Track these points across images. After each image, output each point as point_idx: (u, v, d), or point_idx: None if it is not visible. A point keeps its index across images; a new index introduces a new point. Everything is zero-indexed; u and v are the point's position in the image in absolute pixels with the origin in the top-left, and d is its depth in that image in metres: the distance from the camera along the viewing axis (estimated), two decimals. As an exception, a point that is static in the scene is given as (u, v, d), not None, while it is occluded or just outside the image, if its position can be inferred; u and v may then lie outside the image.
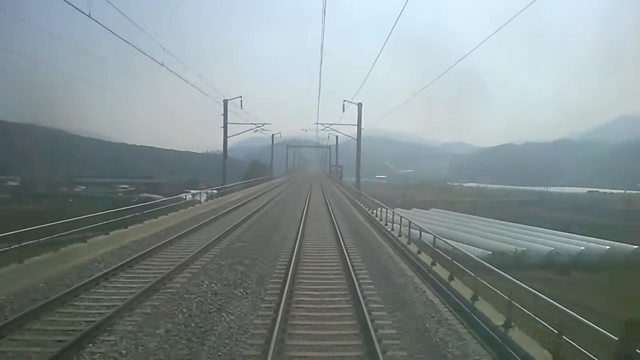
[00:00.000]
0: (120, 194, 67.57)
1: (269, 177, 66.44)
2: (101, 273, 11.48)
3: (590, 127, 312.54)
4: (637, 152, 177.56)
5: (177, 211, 24.72)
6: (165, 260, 13.74)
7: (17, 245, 11.26)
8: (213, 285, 11.02)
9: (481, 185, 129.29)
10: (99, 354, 7.06)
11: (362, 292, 10.32)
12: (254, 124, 53.00)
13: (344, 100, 46.05)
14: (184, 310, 9.15)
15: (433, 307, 9.86)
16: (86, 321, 8.31)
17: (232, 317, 8.84)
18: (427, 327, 8.67)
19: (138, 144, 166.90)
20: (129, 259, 13.12)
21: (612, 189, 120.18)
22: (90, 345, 7.36)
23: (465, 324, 8.85)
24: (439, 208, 56.63)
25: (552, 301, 6.91)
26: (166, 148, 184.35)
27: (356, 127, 47.36)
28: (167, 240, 16.26)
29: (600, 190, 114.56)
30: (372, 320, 8.53)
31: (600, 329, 5.76)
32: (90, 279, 10.92)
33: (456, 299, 10.00)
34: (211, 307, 9.42)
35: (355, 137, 48.51)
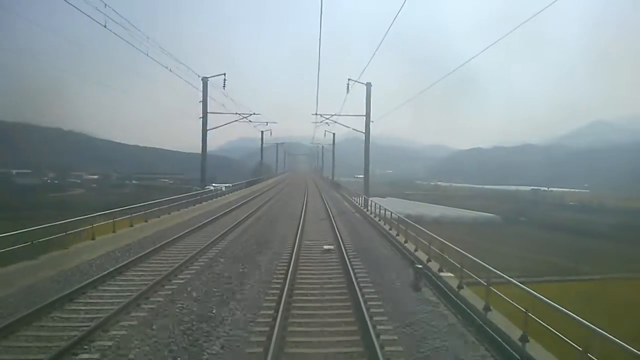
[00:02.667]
0: (169, 185, 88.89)
1: (274, 174, 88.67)
2: (235, 206, 32.11)
3: (566, 131, 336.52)
4: (589, 157, 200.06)
5: (230, 193, 45.02)
6: (259, 200, 34.69)
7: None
8: (284, 197, 32.19)
9: (439, 183, 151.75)
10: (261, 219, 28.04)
11: (328, 206, 31.50)
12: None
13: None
14: (282, 201, 30.26)
15: (345, 205, 31.06)
16: (246, 214, 29.10)
17: (294, 201, 30.63)
18: (343, 209, 29.86)
19: (149, 146, 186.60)
20: (239, 203, 33.79)
21: (561, 188, 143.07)
22: (252, 217, 28.32)
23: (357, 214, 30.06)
24: (394, 197, 78.86)
25: (418, 225, 27.84)
26: (173, 150, 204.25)
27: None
28: (249, 198, 37.48)
29: (542, 188, 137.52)
30: (329, 209, 29.60)
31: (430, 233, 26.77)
32: (228, 209, 31.52)
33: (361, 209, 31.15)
34: (289, 199, 30.72)
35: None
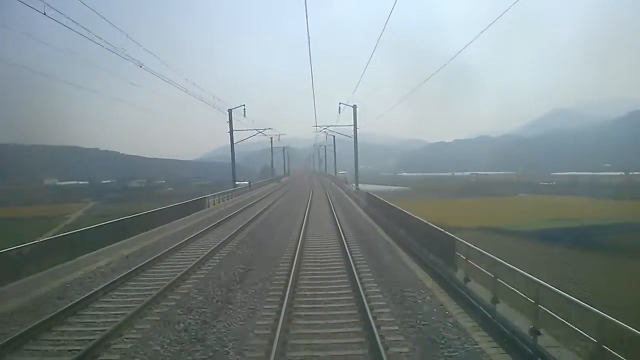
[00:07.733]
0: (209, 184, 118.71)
1: (281, 175, 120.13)
2: (278, 188, 64.05)
3: (531, 120, 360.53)
4: (536, 144, 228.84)
5: (264, 186, 76.73)
6: (291, 184, 67.02)
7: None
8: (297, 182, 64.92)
9: (404, 173, 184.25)
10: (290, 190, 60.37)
11: (323, 183, 64.36)
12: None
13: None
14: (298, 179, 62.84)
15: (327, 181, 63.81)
16: (290, 186, 61.21)
17: (304, 180, 63.70)
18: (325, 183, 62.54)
19: (165, 158, 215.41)
20: (280, 186, 66.00)
21: (499, 171, 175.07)
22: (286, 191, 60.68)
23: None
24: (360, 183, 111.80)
25: (378, 197, 60.13)
26: (184, 159, 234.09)
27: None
28: (279, 187, 69.72)
29: (480, 172, 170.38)
30: (321, 181, 62.07)
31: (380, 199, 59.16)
32: (274, 190, 63.47)
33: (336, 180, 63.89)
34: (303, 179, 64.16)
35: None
